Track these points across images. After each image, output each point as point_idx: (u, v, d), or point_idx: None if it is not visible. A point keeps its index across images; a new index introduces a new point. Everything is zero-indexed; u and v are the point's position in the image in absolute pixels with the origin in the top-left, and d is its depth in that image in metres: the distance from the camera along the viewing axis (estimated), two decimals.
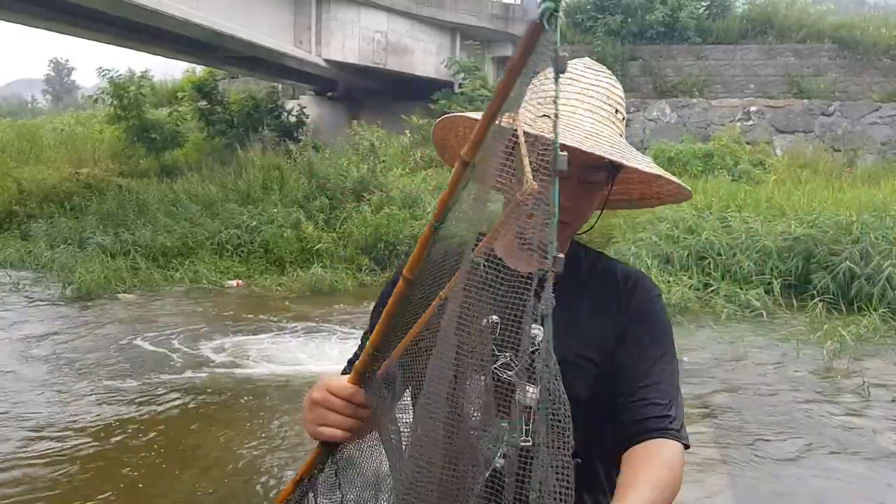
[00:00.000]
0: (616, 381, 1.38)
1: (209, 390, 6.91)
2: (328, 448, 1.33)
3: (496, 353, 1.32)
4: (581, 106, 1.34)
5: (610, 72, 1.44)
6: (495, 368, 1.34)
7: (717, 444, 5.35)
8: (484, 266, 1.24)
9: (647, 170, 1.34)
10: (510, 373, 1.34)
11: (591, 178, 1.36)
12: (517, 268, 1.37)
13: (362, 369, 1.26)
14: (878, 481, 4.75)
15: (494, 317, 1.31)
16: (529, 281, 1.34)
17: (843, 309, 8.70)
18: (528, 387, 1.26)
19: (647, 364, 1.38)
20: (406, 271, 1.23)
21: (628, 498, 1.21)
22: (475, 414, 1.31)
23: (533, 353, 1.23)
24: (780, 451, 5.20)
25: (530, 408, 1.25)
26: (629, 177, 1.48)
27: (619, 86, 1.41)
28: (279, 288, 11.76)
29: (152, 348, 8.36)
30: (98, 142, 20.18)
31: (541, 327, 1.29)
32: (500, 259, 1.33)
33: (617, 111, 1.38)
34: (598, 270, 1.48)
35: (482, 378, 1.29)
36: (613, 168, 1.38)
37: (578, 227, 1.44)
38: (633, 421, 1.33)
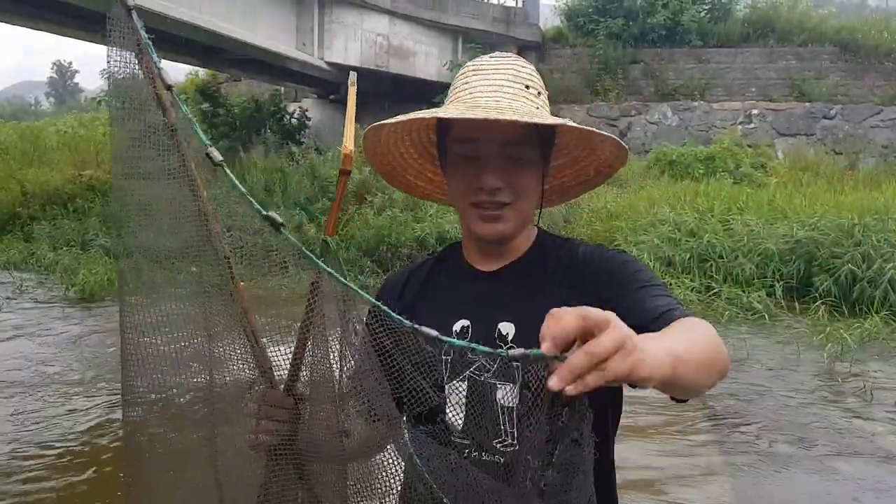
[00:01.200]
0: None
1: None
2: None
3: (469, 356, 1.30)
4: (487, 88, 1.35)
5: (518, 56, 1.46)
6: (471, 372, 1.32)
7: (719, 445, 5.37)
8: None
9: (570, 124, 1.34)
10: (487, 374, 1.32)
11: (517, 155, 1.35)
12: (480, 266, 1.45)
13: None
14: (880, 483, 4.76)
15: (464, 321, 1.38)
16: (493, 280, 1.43)
17: (846, 312, 8.70)
18: (507, 385, 1.31)
19: (645, 303, 1.29)
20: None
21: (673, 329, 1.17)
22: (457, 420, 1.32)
23: (508, 350, 1.27)
24: (782, 453, 5.21)
25: (511, 408, 1.30)
26: (577, 155, 1.50)
27: (529, 65, 1.43)
28: (281, 289, 11.75)
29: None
30: (101, 144, 20.20)
31: (511, 324, 1.36)
32: (467, 262, 1.46)
33: (528, 87, 1.37)
34: (564, 259, 1.44)
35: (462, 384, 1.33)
36: (544, 144, 1.39)
37: (524, 206, 1.40)
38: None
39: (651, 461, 5.03)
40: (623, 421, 1.47)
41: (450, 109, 1.33)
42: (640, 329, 1.05)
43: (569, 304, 1.15)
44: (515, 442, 1.29)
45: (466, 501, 1.17)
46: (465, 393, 1.32)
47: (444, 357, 1.32)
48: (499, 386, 1.31)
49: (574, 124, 1.35)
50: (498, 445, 1.30)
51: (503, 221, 1.36)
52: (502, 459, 1.28)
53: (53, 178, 16.92)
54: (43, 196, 16.09)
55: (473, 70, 1.39)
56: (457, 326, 1.37)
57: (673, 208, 11.29)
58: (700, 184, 13.50)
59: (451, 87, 1.42)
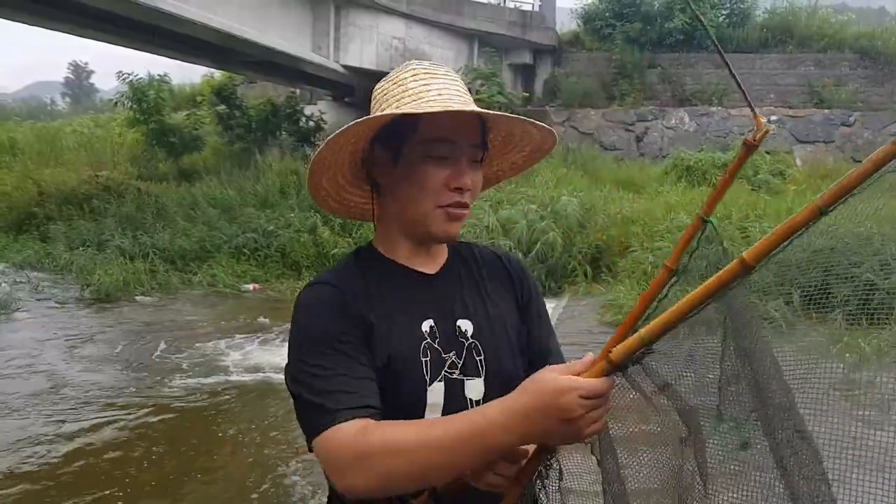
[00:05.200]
0: (525, 355, 1.51)
1: (226, 395, 6.92)
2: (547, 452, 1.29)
3: (443, 355, 1.40)
4: (450, 90, 1.39)
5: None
6: (445, 371, 1.40)
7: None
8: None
9: (511, 116, 1.42)
10: (457, 372, 1.41)
11: (477, 157, 1.42)
12: (423, 269, 1.47)
13: (620, 359, 1.14)
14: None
15: (430, 321, 1.42)
16: (439, 280, 1.47)
17: (864, 321, 8.60)
18: (475, 379, 1.42)
19: (545, 336, 1.57)
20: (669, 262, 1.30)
21: None
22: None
23: (467, 346, 1.42)
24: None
25: (479, 400, 1.40)
26: (505, 147, 1.58)
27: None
28: (295, 292, 11.76)
29: (170, 352, 8.40)
30: (117, 145, 20.32)
31: (468, 321, 1.44)
32: (405, 265, 1.46)
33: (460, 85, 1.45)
34: (486, 258, 1.58)
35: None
36: (485, 145, 1.44)
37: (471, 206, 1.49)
38: None
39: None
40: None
41: (435, 108, 1.34)
42: (535, 351, 1.52)
43: (503, 300, 1.52)
44: None
45: None
46: (442, 392, 1.38)
47: (422, 359, 1.37)
48: (466, 380, 1.41)
49: (533, 121, 1.44)
50: None
51: (462, 221, 1.43)
52: None
53: (69, 179, 17.03)
54: (59, 196, 16.19)
55: (425, 73, 1.43)
56: (425, 327, 1.41)
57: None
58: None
59: (391, 91, 1.44)
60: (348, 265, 1.46)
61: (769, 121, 18.25)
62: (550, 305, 10.46)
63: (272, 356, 8.10)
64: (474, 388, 1.42)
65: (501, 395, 1.23)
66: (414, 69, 1.44)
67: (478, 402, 1.40)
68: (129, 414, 6.38)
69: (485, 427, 1.13)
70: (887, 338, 6.84)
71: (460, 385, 1.40)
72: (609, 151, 18.74)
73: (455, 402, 1.38)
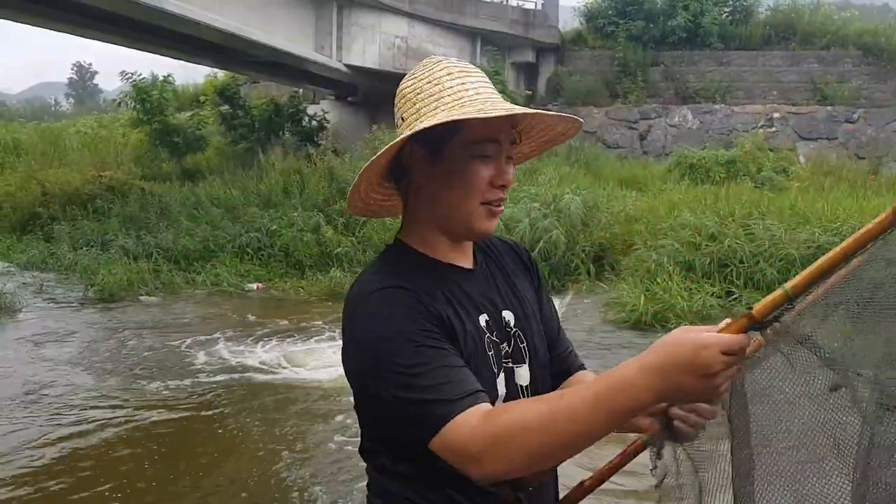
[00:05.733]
0: (546, 341, 1.57)
1: (231, 394, 6.93)
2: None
3: (500, 346, 1.44)
4: (486, 91, 1.41)
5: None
6: (503, 362, 1.44)
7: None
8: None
9: (553, 114, 1.48)
10: (510, 361, 1.45)
11: (512, 153, 1.45)
12: (462, 264, 1.49)
13: (763, 316, 1.14)
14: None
15: (484, 315, 1.45)
16: (480, 275, 1.50)
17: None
18: (522, 366, 1.47)
19: (556, 319, 1.67)
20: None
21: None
22: None
23: (513, 335, 1.47)
24: (797, 460, 5.14)
25: (527, 385, 1.46)
26: (525, 136, 1.56)
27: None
28: (299, 291, 11.79)
29: (174, 351, 8.41)
30: (121, 145, 20.36)
31: (510, 311, 1.49)
32: (450, 263, 1.47)
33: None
34: (502, 248, 1.64)
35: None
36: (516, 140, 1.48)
37: None
38: (571, 367, 1.63)
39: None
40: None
41: (488, 110, 1.34)
42: (553, 342, 1.60)
43: (527, 289, 1.58)
44: None
45: None
46: (504, 383, 1.43)
47: (489, 353, 1.41)
48: (516, 368, 1.45)
49: (567, 115, 1.50)
50: None
51: (499, 216, 1.46)
52: None
53: (73, 179, 17.06)
54: (63, 196, 16.22)
55: (460, 71, 1.42)
56: (482, 321, 1.43)
57: (693, 212, 11.18)
58: (721, 188, 13.38)
59: (427, 90, 1.41)
60: (401, 265, 1.42)
61: (772, 118, 18.28)
62: (554, 303, 10.46)
63: (275, 355, 8.11)
64: (522, 374, 1.47)
65: (543, 380, 1.47)
66: (446, 67, 1.42)
67: (526, 388, 1.46)
68: (133, 413, 6.38)
69: (623, 387, 1.11)
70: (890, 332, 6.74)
71: (512, 373, 1.45)
72: (612, 150, 18.73)
73: (511, 390, 1.43)
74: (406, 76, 1.46)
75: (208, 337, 8.92)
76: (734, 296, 9.39)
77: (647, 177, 15.62)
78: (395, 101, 1.44)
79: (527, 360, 1.48)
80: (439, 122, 1.31)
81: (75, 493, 4.90)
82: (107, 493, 4.88)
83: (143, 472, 5.24)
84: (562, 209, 11.96)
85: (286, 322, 9.63)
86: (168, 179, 17.42)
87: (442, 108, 1.36)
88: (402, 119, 1.41)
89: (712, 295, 9.26)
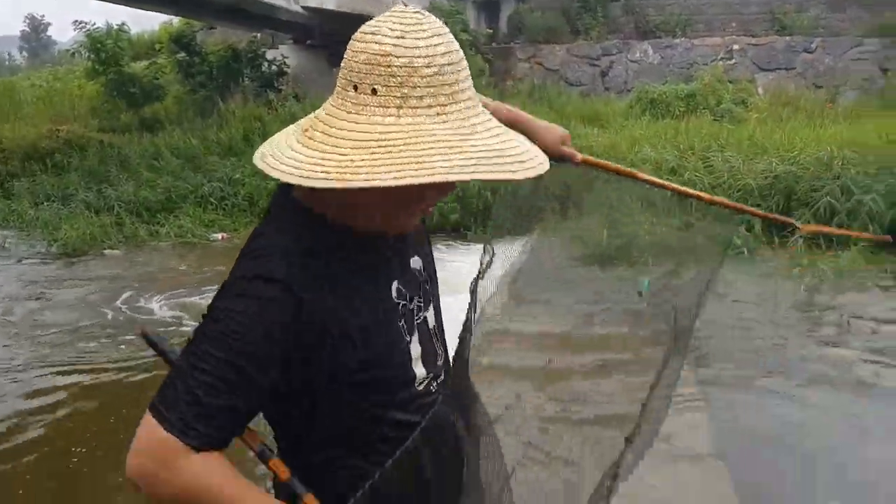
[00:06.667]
0: None
1: None
2: None
3: (409, 307, 1.42)
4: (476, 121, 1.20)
5: (429, 23, 1.20)
6: (416, 320, 1.43)
7: (697, 379, 5.48)
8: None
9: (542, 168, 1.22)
10: (422, 311, 1.45)
11: None
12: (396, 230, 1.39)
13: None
14: (854, 410, 4.90)
15: (395, 283, 1.40)
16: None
17: (824, 244, 8.81)
18: (430, 310, 1.49)
19: None
20: None
21: None
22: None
23: (421, 281, 1.46)
24: (759, 385, 5.33)
25: (435, 325, 1.49)
26: None
27: (446, 37, 1.19)
28: None
29: (141, 303, 8.41)
30: (77, 97, 19.90)
31: (417, 257, 1.48)
32: (363, 231, 1.33)
33: (465, 77, 1.20)
34: None
35: None
36: None
37: None
38: None
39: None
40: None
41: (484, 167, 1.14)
42: None
43: (425, 237, 1.55)
44: (442, 350, 1.48)
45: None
46: (418, 340, 1.41)
47: (399, 324, 1.38)
48: (426, 314, 1.46)
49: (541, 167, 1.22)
50: (439, 363, 1.46)
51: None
52: (443, 373, 1.46)
53: (29, 134, 16.66)
54: (20, 152, 15.86)
55: (451, 52, 1.18)
56: (393, 291, 1.39)
57: (654, 147, 11.29)
58: (681, 122, 13.49)
59: (421, 74, 1.14)
60: (299, 242, 1.28)
61: (731, 50, 18.30)
62: (519, 243, 10.58)
63: None
64: (431, 317, 1.48)
65: (439, 311, 1.51)
66: (434, 36, 1.17)
67: (433, 328, 1.48)
68: (100, 368, 6.40)
69: None
70: (847, 258, 7.01)
71: (425, 321, 1.45)
72: (574, 87, 18.69)
73: (425, 339, 1.43)
74: (378, 27, 1.18)
75: (175, 288, 8.92)
76: (693, 226, 9.54)
77: (609, 113, 15.66)
78: (361, 57, 1.17)
79: (432, 300, 1.49)
80: (490, 176, 1.14)
81: (31, 450, 4.93)
82: (66, 452, 4.90)
83: (108, 432, 5.22)
84: None
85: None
86: (127, 131, 17.10)
87: (456, 134, 1.15)
88: (375, 92, 1.15)
89: (673, 227, 9.40)
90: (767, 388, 5.26)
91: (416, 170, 1.09)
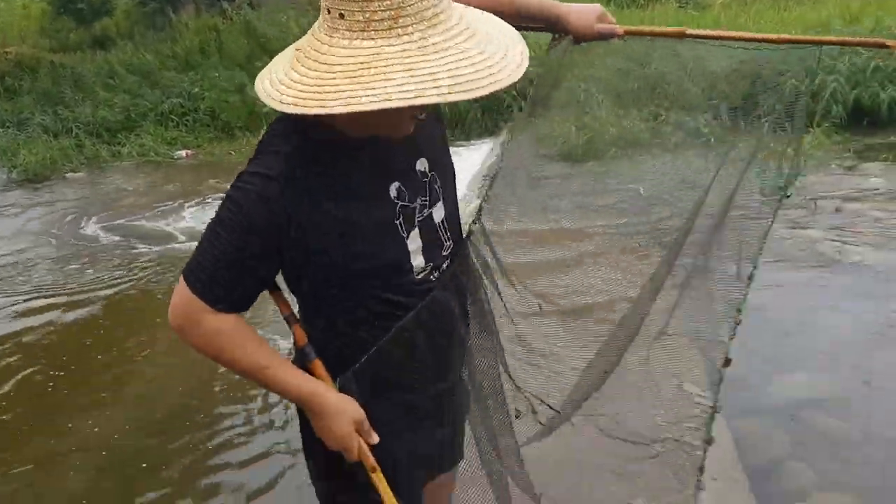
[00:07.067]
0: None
1: (173, 264, 6.93)
2: None
3: (411, 206, 1.49)
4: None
5: None
6: (418, 218, 1.50)
7: (660, 259, 5.54)
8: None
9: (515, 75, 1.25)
10: (426, 209, 1.52)
11: None
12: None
13: None
14: (820, 287, 5.02)
15: (395, 184, 1.47)
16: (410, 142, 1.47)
17: (788, 127, 8.82)
18: (438, 205, 1.56)
19: None
20: None
21: None
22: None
23: (429, 180, 1.52)
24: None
25: (443, 219, 1.56)
26: None
27: None
28: (230, 154, 11.60)
29: (108, 225, 8.33)
30: (22, 17, 19.15)
31: (423, 158, 1.52)
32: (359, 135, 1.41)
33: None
34: None
35: None
36: None
37: None
38: None
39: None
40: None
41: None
42: None
43: (439, 138, 1.59)
44: (450, 241, 1.56)
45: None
46: (419, 235, 1.49)
47: (396, 222, 1.46)
48: (433, 210, 1.53)
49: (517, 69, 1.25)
50: (444, 253, 1.54)
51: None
52: (449, 261, 1.55)
53: None
54: None
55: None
56: (392, 191, 1.46)
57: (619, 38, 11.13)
58: (645, 10, 13.28)
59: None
60: (300, 143, 1.39)
61: None
62: (487, 144, 10.52)
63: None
64: (438, 213, 1.54)
65: (452, 212, 1.57)
66: None
67: (442, 223, 1.54)
68: (70, 295, 6.36)
69: (286, 390, 1.50)
70: (811, 140, 7.05)
71: (430, 217, 1.51)
72: None
73: (429, 234, 1.51)
74: None
75: (143, 208, 8.83)
76: (662, 117, 9.56)
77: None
78: None
79: (441, 197, 1.55)
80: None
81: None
82: (34, 382, 4.88)
83: (76, 362, 5.19)
84: None
85: (221, 186, 9.53)
86: (78, 49, 16.52)
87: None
88: (342, 16, 1.19)
89: (641, 119, 9.41)
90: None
91: (365, 96, 1.12)
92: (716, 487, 2.65)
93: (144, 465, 3.77)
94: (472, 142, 10.88)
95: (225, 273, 1.40)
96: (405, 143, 1.46)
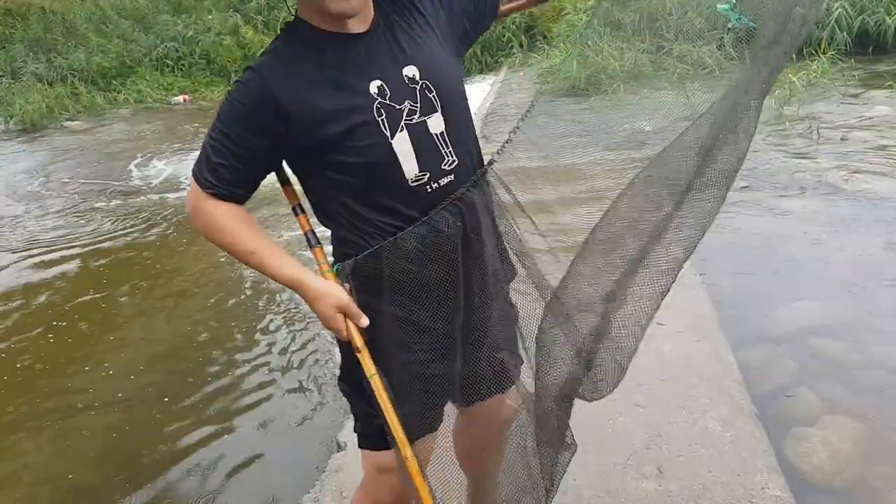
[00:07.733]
0: (476, 16, 1.72)
1: (179, 214, 6.91)
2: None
3: (397, 107, 1.50)
4: None
5: None
6: (405, 121, 1.51)
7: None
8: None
9: None
10: (416, 116, 1.52)
11: None
12: (356, 30, 1.51)
13: None
14: (827, 214, 4.99)
15: (376, 80, 1.50)
16: (372, 38, 1.52)
17: (793, 56, 8.70)
18: (434, 115, 1.54)
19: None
20: None
21: None
22: None
23: (419, 89, 1.52)
24: (732, 199, 5.37)
25: (442, 132, 1.55)
26: None
27: None
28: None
29: (114, 172, 8.29)
30: None
31: (412, 66, 1.53)
32: (336, 31, 1.50)
33: None
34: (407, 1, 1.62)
35: None
36: None
37: None
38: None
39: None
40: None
41: None
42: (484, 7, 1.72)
43: (425, 30, 1.58)
44: (454, 157, 1.56)
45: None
46: (408, 139, 1.50)
47: (378, 119, 1.48)
48: (427, 120, 1.52)
49: None
50: (445, 167, 1.55)
51: None
52: (452, 177, 1.56)
53: None
54: None
55: None
56: (373, 88, 1.48)
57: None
58: None
59: None
60: (290, 41, 1.53)
61: None
62: (488, 81, 10.38)
63: None
64: (435, 123, 1.54)
65: (457, 121, 1.58)
66: None
67: (441, 135, 1.54)
68: (86, 241, 6.38)
69: (284, 283, 1.59)
70: (816, 69, 6.91)
71: (423, 125, 1.52)
72: None
73: (423, 142, 1.51)
74: None
75: (145, 155, 8.78)
76: (664, 49, 9.41)
77: None
78: None
79: (439, 108, 1.54)
80: None
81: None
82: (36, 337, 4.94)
83: (94, 308, 5.29)
84: None
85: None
86: None
87: None
88: None
89: (643, 52, 9.27)
90: (739, 201, 5.30)
91: None
92: (722, 415, 2.67)
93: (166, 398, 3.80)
94: (473, 78, 10.75)
95: (218, 160, 1.52)
96: (391, 48, 1.53)
